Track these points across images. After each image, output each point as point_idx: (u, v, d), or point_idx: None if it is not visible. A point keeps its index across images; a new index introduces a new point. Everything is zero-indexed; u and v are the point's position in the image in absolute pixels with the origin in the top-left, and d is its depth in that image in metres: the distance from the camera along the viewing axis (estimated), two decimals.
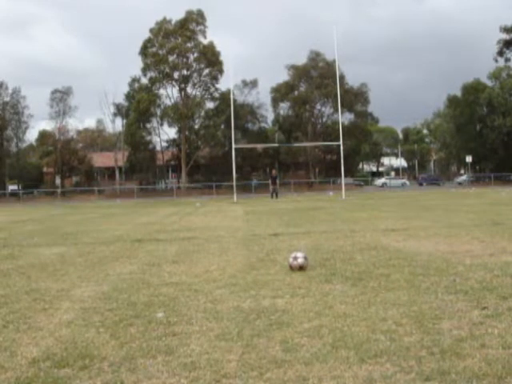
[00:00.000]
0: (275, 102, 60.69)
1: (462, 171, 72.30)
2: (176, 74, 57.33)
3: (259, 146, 52.43)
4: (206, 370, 2.67)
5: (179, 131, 59.04)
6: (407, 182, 62.82)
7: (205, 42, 56.74)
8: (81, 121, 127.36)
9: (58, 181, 60.37)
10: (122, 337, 3.32)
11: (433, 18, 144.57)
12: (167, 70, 56.65)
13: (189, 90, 58.42)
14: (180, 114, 55.71)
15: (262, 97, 72.99)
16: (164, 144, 61.43)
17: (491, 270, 5.04)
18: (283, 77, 63.35)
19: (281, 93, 59.70)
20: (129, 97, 58.60)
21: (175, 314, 3.82)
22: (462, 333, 3.11)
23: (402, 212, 14.57)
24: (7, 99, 58.39)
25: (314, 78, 58.75)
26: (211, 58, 55.64)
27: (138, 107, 54.58)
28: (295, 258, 5.48)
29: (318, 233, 9.36)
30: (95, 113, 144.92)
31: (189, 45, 55.93)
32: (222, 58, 55.21)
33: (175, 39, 55.91)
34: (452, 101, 62.46)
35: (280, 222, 12.10)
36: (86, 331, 3.48)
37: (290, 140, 58.56)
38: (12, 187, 60.82)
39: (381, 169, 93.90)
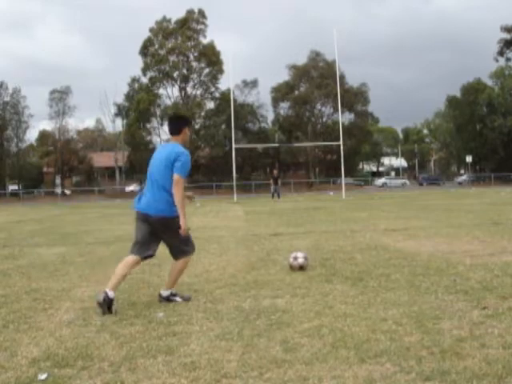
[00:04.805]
0: (275, 101, 60.68)
1: (462, 171, 72.28)
2: (176, 74, 57.32)
3: (259, 146, 52.40)
4: (206, 370, 2.67)
5: None
6: (407, 182, 62.81)
7: (205, 41, 56.75)
8: (81, 121, 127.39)
9: (58, 181, 60.39)
10: (122, 337, 3.32)
11: (435, 17, 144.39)
12: (167, 69, 56.64)
13: (189, 89, 58.43)
14: None
15: (262, 97, 73.07)
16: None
17: (491, 270, 5.04)
18: (283, 76, 63.43)
19: (281, 92, 59.70)
20: (129, 97, 58.57)
21: (175, 314, 3.83)
22: (462, 333, 3.11)
23: (402, 212, 14.57)
24: (7, 99, 58.38)
25: (315, 78, 58.74)
26: (211, 58, 55.59)
27: (138, 107, 54.56)
28: (295, 258, 5.48)
29: (318, 233, 9.36)
30: (95, 113, 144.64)
31: (189, 44, 55.91)
32: (223, 57, 55.21)
33: (175, 39, 55.90)
34: (451, 101, 62.48)
35: (280, 222, 12.10)
36: (86, 331, 3.48)
37: (290, 140, 58.53)
38: (12, 187, 60.86)
39: (381, 169, 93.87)
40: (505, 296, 3.97)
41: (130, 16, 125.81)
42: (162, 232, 4.21)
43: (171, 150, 4.19)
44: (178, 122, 4.58)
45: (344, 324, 3.39)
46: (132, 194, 50.32)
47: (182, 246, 4.30)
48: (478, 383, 2.39)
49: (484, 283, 4.44)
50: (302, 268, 5.41)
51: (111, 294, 3.93)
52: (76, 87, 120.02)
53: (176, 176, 4.06)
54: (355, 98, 58.79)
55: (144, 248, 4.22)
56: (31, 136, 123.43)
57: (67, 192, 58.00)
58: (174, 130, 4.44)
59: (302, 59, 61.41)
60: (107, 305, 3.89)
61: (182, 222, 4.08)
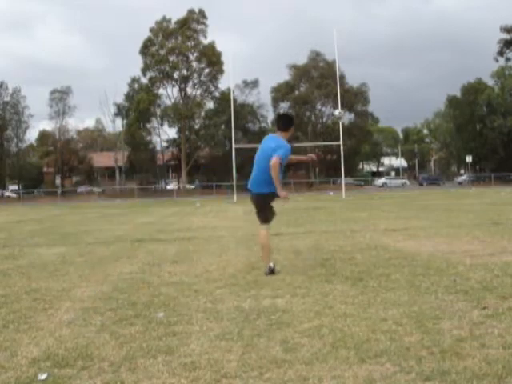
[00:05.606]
0: (275, 101, 60.72)
1: (462, 171, 72.29)
2: (176, 74, 57.33)
3: (259, 146, 52.40)
4: (206, 370, 2.67)
5: (179, 131, 59.01)
6: (407, 182, 62.83)
7: (205, 41, 56.77)
8: (81, 121, 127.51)
9: (58, 181, 60.41)
10: (122, 337, 3.32)
11: (435, 17, 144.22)
12: (167, 69, 56.64)
13: (189, 90, 58.49)
14: (180, 114, 55.69)
15: (262, 97, 73.15)
16: (164, 144, 61.44)
17: (491, 269, 5.04)
18: (284, 76, 63.48)
19: (281, 92, 59.75)
20: (129, 97, 58.59)
21: (175, 314, 3.82)
22: (462, 333, 3.10)
23: (402, 212, 14.57)
24: (7, 99, 58.45)
25: (315, 78, 58.76)
26: (211, 58, 55.63)
27: (138, 107, 54.57)
28: None
29: (318, 233, 9.36)
30: (95, 113, 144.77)
31: (189, 44, 55.92)
32: (223, 57, 55.24)
33: (175, 39, 55.92)
34: (452, 101, 62.50)
35: (280, 222, 12.07)
36: (86, 331, 3.48)
37: (290, 140, 58.50)
38: (12, 187, 60.90)
39: (381, 169, 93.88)
40: (505, 296, 3.96)
41: (130, 16, 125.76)
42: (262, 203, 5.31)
43: (276, 142, 5.20)
44: (288, 121, 5.55)
45: (344, 324, 3.39)
46: (130, 192, 50.28)
47: (268, 215, 5.40)
48: (478, 383, 2.39)
49: (484, 283, 4.44)
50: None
51: (272, 264, 5.20)
52: (76, 87, 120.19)
53: (274, 156, 5.00)
54: (355, 98, 58.84)
55: (265, 217, 5.38)
56: (31, 136, 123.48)
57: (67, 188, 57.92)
58: (283, 127, 5.43)
59: (302, 59, 61.60)
60: (272, 272, 5.14)
61: (279, 192, 5.18)
